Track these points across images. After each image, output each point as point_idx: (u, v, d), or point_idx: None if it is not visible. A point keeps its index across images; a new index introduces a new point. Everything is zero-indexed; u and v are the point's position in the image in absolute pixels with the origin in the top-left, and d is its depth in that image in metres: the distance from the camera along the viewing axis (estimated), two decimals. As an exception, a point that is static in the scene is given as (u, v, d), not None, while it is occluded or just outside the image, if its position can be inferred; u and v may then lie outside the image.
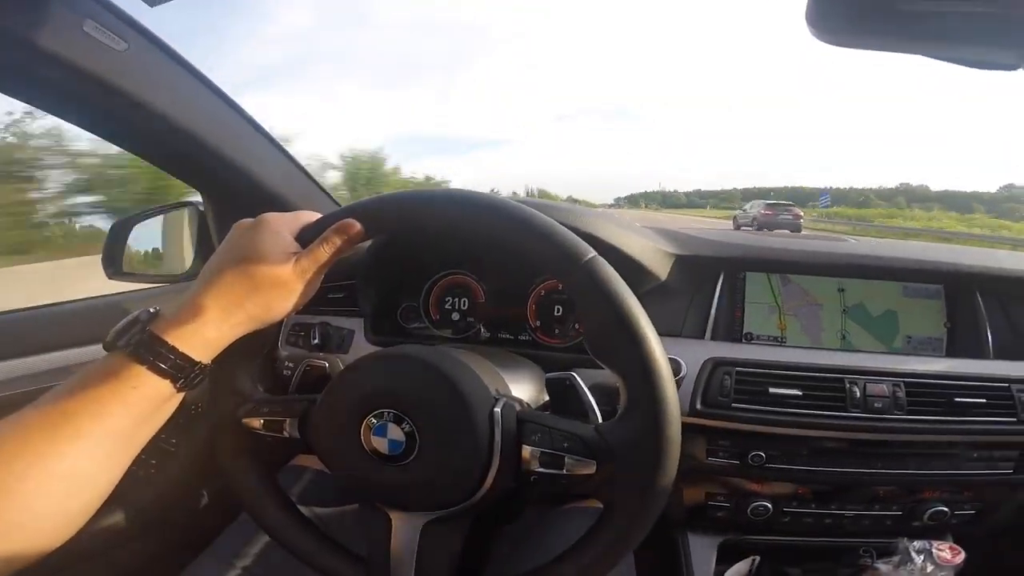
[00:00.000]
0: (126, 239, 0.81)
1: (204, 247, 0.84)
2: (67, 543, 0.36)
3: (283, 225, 0.43)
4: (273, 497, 0.50)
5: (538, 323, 0.78)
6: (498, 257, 0.79)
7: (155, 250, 0.89)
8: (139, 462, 0.39)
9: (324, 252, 0.42)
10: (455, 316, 0.81)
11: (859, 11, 0.29)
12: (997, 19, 0.28)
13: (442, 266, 0.82)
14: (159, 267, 0.90)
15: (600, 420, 0.48)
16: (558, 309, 0.78)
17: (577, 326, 0.77)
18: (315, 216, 0.45)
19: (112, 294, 0.85)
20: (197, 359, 0.39)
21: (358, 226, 0.43)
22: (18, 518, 0.33)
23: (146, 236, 0.84)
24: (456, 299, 0.82)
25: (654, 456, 0.39)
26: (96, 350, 0.73)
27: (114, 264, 0.80)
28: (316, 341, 0.77)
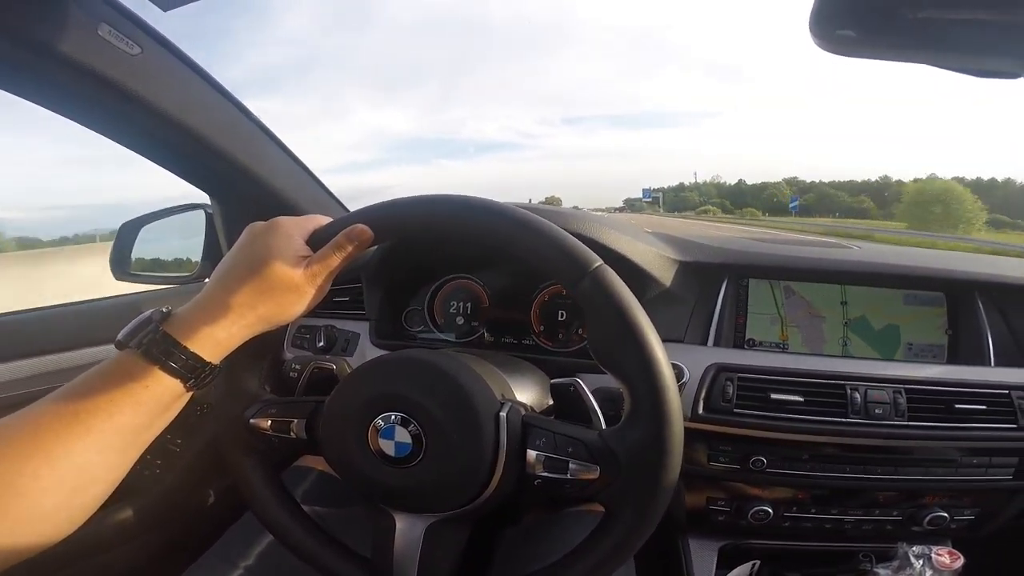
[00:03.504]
0: (134, 241, 0.82)
1: (212, 250, 0.84)
2: (73, 541, 0.36)
3: (295, 229, 0.44)
4: (277, 497, 0.51)
5: (542, 328, 0.79)
6: (503, 262, 0.80)
7: (163, 252, 0.90)
8: (145, 462, 0.39)
9: (335, 257, 0.43)
10: (459, 320, 0.82)
11: (861, 20, 0.29)
12: (998, 28, 0.28)
13: (447, 270, 0.82)
14: (167, 269, 0.91)
15: (604, 425, 0.49)
16: (562, 314, 0.78)
17: (580, 331, 0.77)
18: (326, 220, 0.46)
19: (123, 295, 0.86)
20: (208, 359, 0.39)
21: (368, 231, 0.43)
22: (26, 515, 0.33)
23: (154, 238, 0.85)
24: (460, 303, 0.82)
25: (656, 463, 0.40)
26: (107, 350, 0.75)
27: (122, 265, 0.81)
28: (321, 344, 0.78)
